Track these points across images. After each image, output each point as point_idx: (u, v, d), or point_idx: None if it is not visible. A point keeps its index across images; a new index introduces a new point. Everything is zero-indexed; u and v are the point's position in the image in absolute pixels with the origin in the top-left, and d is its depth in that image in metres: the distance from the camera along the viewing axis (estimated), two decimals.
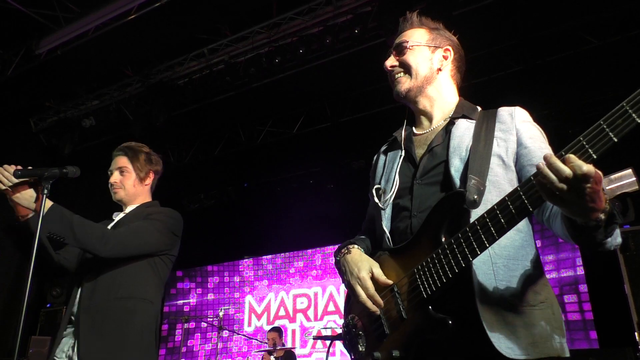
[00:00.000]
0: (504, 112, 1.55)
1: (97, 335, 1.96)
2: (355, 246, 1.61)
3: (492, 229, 1.24)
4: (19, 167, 1.87)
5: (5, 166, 1.87)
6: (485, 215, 1.26)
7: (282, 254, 8.21)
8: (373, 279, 1.48)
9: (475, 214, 1.33)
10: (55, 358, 2.02)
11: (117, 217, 2.28)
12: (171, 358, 7.97)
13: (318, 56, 5.84)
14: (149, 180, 2.35)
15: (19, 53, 6.36)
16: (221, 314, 5.81)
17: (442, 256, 1.34)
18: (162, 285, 2.21)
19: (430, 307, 1.34)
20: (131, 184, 2.30)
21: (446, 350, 1.34)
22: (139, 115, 6.66)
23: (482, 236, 1.26)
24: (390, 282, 1.46)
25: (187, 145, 7.77)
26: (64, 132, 7.10)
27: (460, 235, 1.31)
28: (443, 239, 1.37)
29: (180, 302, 8.52)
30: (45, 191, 1.86)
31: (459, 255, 1.30)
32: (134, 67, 6.62)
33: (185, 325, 7.52)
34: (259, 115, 7.25)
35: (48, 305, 7.40)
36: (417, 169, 1.56)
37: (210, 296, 8.41)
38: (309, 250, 7.99)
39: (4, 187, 1.86)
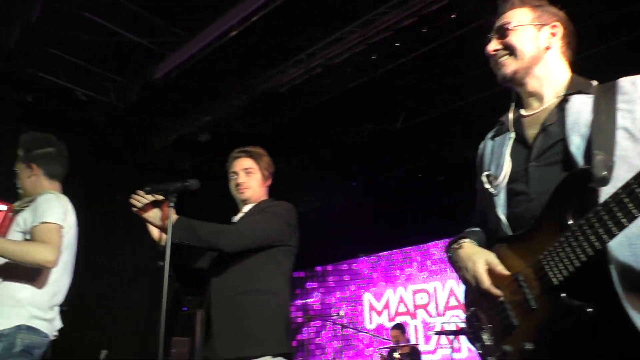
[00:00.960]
0: (625, 82, 1.41)
1: (228, 329, 2.07)
2: (467, 240, 1.55)
3: (629, 205, 1.12)
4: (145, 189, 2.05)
5: (138, 191, 2.06)
6: (620, 191, 1.15)
7: (397, 250, 8.15)
8: (489, 270, 1.41)
9: (604, 192, 1.21)
10: (206, 356, 2.16)
11: (236, 218, 2.40)
12: (301, 353, 8.23)
13: (415, 47, 5.72)
14: (269, 182, 2.45)
15: (138, 80, 6.98)
16: (342, 312, 5.91)
17: (572, 239, 1.23)
18: (286, 277, 2.25)
19: (562, 294, 1.25)
20: (257, 184, 2.41)
21: (583, 339, 1.24)
22: (247, 126, 7.00)
23: (619, 214, 1.14)
24: (507, 272, 1.38)
25: (294, 150, 8.01)
26: (183, 149, 7.67)
27: (591, 215, 1.19)
28: (570, 221, 1.26)
29: (302, 302, 8.79)
30: (172, 203, 2.02)
31: (592, 237, 1.19)
32: (239, 81, 6.96)
33: (310, 325, 7.74)
34: (361, 114, 7.27)
35: (184, 309, 8.03)
36: (531, 151, 1.46)
37: (331, 295, 8.58)
38: (425, 245, 7.85)
39: (139, 206, 2.04)
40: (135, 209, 2.05)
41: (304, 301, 8.79)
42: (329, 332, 8.25)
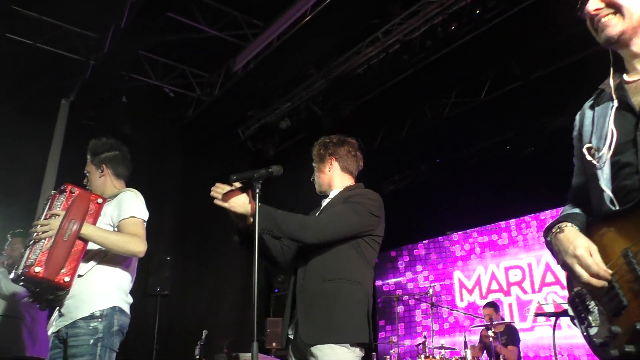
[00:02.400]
0: None
1: (310, 315, 2.11)
2: (568, 224, 1.44)
3: None
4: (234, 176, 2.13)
5: (218, 184, 2.13)
6: None
7: (486, 226, 7.88)
8: (594, 252, 1.33)
9: None
10: (288, 336, 2.25)
11: (324, 202, 2.44)
12: (391, 328, 8.26)
13: (497, 13, 5.42)
14: (329, 167, 2.44)
15: (221, 73, 7.25)
16: (431, 291, 5.82)
17: None
18: (369, 267, 2.25)
19: None
20: (317, 176, 2.47)
21: None
22: (327, 110, 7.04)
23: None
24: (613, 253, 1.29)
25: (375, 130, 7.95)
26: (266, 137, 7.89)
27: None
28: None
29: (392, 281, 8.78)
30: (257, 190, 2.08)
31: None
32: (316, 65, 7.00)
33: (400, 304, 7.73)
34: (441, 88, 7.05)
35: (276, 291, 8.35)
36: (639, 119, 1.34)
37: (420, 273, 8.49)
38: (516, 220, 7.52)
39: (219, 198, 2.09)
40: (216, 201, 2.12)
41: (395, 280, 8.77)
42: (420, 311, 8.20)
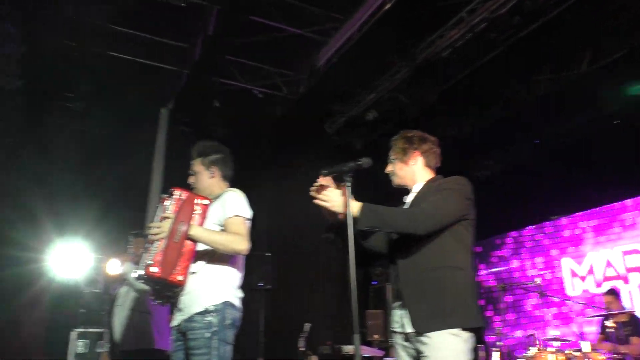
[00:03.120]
0: None
1: (419, 305, 2.11)
2: None
3: None
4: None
5: (317, 183, 2.20)
6: None
7: (595, 209, 7.31)
8: None
9: None
10: (392, 328, 2.27)
11: (409, 198, 2.42)
12: (498, 319, 7.94)
13: None
14: (414, 161, 2.42)
15: (305, 71, 7.35)
16: (537, 280, 5.51)
17: None
18: (468, 251, 2.23)
19: None
20: (399, 169, 2.44)
21: None
22: (412, 98, 6.90)
23: None
24: None
25: (464, 115, 7.66)
26: (353, 129, 7.90)
27: None
28: None
29: (496, 270, 8.43)
30: (348, 184, 2.10)
31: None
32: (399, 53, 6.87)
33: (506, 294, 7.41)
34: (535, 65, 6.62)
35: (374, 283, 8.35)
36: None
37: (526, 262, 8.07)
38: (631, 200, 6.90)
39: (318, 200, 2.17)
40: (316, 201, 2.17)
41: (498, 269, 8.41)
42: (528, 300, 7.79)
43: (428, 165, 2.45)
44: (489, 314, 8.21)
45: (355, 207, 2.12)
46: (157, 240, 2.32)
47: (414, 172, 2.43)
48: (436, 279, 2.12)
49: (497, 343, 5.13)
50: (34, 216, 6.86)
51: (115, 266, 6.37)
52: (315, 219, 2.37)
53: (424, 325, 2.08)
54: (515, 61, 6.38)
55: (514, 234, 8.31)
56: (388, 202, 2.26)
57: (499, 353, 4.87)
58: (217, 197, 2.61)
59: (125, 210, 7.43)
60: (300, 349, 5.98)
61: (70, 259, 5.96)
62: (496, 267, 8.42)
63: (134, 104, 7.29)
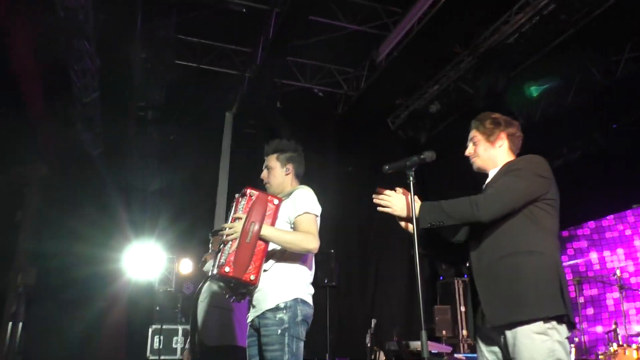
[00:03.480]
0: None
1: (493, 296, 2.01)
2: None
3: None
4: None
5: (379, 190, 2.20)
6: None
7: None
8: None
9: None
10: (472, 324, 2.16)
11: (485, 184, 2.31)
12: (577, 313, 7.53)
13: None
14: (500, 142, 2.29)
15: (365, 67, 7.31)
16: (618, 272, 5.16)
17: None
18: (549, 234, 2.08)
19: None
20: (483, 150, 2.30)
21: None
22: (478, 87, 6.68)
23: None
24: None
25: (535, 102, 7.32)
26: (416, 123, 7.76)
27: None
28: None
29: (572, 262, 8.00)
30: (411, 178, 2.06)
31: None
32: (462, 43, 6.68)
33: (583, 287, 7.02)
34: (612, 43, 6.21)
35: (441, 278, 8.18)
36: None
37: (604, 254, 7.61)
38: None
39: (382, 204, 2.17)
40: (380, 208, 2.15)
41: (574, 262, 7.96)
42: (609, 294, 7.34)
43: (511, 149, 2.31)
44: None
45: (415, 208, 2.07)
46: (229, 241, 2.36)
47: (497, 155, 2.29)
48: (510, 266, 1.99)
49: (575, 339, 4.87)
50: (113, 218, 7.29)
51: (187, 265, 6.66)
52: (381, 216, 2.35)
53: (499, 317, 1.96)
54: (589, 41, 6.01)
55: (591, 224, 7.82)
56: (455, 195, 2.18)
57: (574, 350, 4.62)
58: (287, 194, 2.64)
59: (194, 211, 7.73)
60: (367, 345, 5.96)
61: (144, 259, 6.27)
62: (573, 260, 7.97)
63: (201, 110, 7.56)
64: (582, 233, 7.90)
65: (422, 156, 2.08)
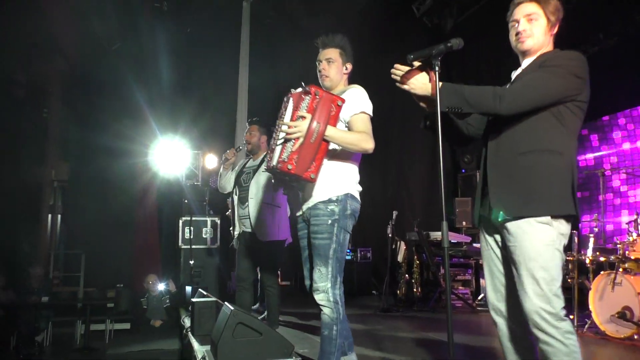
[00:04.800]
0: None
1: (505, 189, 1.99)
2: None
3: None
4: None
5: (396, 65, 2.05)
6: None
7: None
8: None
9: None
10: (481, 214, 2.16)
11: (515, 73, 2.18)
12: (596, 206, 7.59)
13: None
14: (555, 29, 2.10)
15: None
16: None
17: None
18: (571, 136, 2.00)
19: None
20: (542, 31, 2.07)
21: None
22: None
23: None
24: None
25: None
26: (443, 9, 7.33)
27: None
28: None
29: (600, 153, 7.82)
30: (437, 68, 1.97)
31: None
32: None
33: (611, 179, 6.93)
34: None
35: (463, 171, 8.22)
36: None
37: (633, 144, 7.40)
38: None
39: (398, 79, 2.04)
40: (398, 83, 2.06)
41: (605, 153, 7.77)
42: (635, 187, 7.28)
43: (550, 32, 2.10)
44: (585, 194, 7.83)
45: (432, 87, 1.97)
46: (292, 139, 2.38)
47: (548, 41, 2.09)
48: (528, 163, 1.95)
49: (595, 229, 4.92)
50: (137, 113, 7.36)
51: (212, 160, 6.78)
52: (404, 106, 2.29)
53: (508, 210, 1.95)
54: None
55: (627, 112, 7.48)
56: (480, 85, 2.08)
57: (593, 239, 4.68)
58: (340, 92, 2.63)
59: (216, 106, 7.73)
60: (389, 235, 6.17)
61: (170, 154, 6.38)
62: (602, 151, 7.78)
63: (217, 0, 7.25)
64: (616, 122, 7.60)
65: (449, 44, 1.95)
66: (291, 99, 2.51)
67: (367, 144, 2.49)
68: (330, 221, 2.48)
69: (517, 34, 2.08)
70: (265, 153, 3.93)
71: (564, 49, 2.08)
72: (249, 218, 3.94)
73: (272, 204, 3.97)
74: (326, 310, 2.45)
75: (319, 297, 2.46)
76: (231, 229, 4.26)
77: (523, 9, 2.08)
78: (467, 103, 1.93)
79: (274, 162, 2.42)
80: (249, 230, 3.96)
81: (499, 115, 1.96)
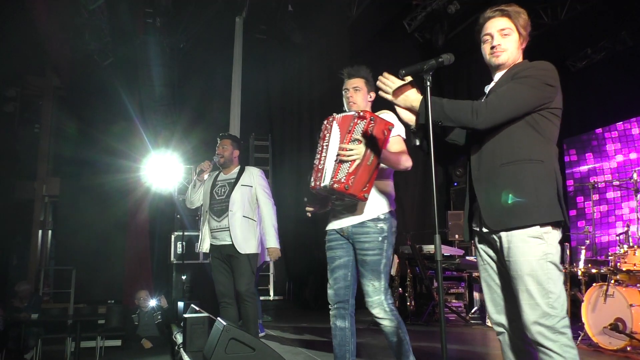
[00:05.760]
0: None
1: (491, 202, 2.02)
2: None
3: None
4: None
5: (385, 74, 2.10)
6: None
7: None
8: None
9: None
10: (473, 228, 2.17)
11: (488, 87, 2.21)
12: (585, 219, 7.65)
13: None
14: (525, 44, 2.14)
15: None
16: (635, 175, 5.09)
17: None
18: (549, 143, 2.03)
19: None
20: (515, 46, 2.11)
21: None
22: None
23: None
24: None
25: (559, 2, 6.91)
26: (433, 25, 7.42)
27: None
28: None
29: (588, 167, 7.95)
30: (428, 83, 1.99)
31: None
32: None
33: (597, 192, 7.02)
34: None
35: (455, 184, 8.26)
36: None
37: (625, 157, 7.49)
38: None
39: (389, 93, 2.08)
40: (383, 94, 2.10)
41: (593, 166, 7.88)
42: (623, 200, 7.37)
43: (521, 46, 2.14)
44: (572, 213, 7.90)
45: (415, 101, 2.03)
46: (349, 161, 2.50)
47: (519, 55, 2.12)
48: (510, 172, 1.98)
49: (586, 241, 4.96)
50: (129, 128, 7.35)
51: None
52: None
53: (497, 222, 1.98)
54: None
55: (618, 126, 7.57)
56: (471, 100, 2.10)
57: (584, 251, 4.72)
58: None
59: (209, 121, 7.74)
60: None
61: (163, 169, 6.37)
62: (591, 163, 7.88)
63: (210, 16, 7.29)
64: (606, 135, 7.71)
65: (440, 59, 1.97)
66: (335, 122, 2.67)
67: (408, 162, 2.69)
68: (380, 238, 2.65)
69: (492, 47, 2.11)
70: (237, 167, 4.06)
71: (553, 64, 2.11)
72: (229, 230, 3.90)
73: (253, 218, 3.99)
74: (385, 322, 2.60)
75: (375, 312, 2.61)
76: (197, 243, 4.23)
77: (495, 24, 2.12)
78: (447, 117, 1.98)
79: (327, 182, 2.54)
80: (228, 242, 3.92)
81: (476, 130, 1.99)
